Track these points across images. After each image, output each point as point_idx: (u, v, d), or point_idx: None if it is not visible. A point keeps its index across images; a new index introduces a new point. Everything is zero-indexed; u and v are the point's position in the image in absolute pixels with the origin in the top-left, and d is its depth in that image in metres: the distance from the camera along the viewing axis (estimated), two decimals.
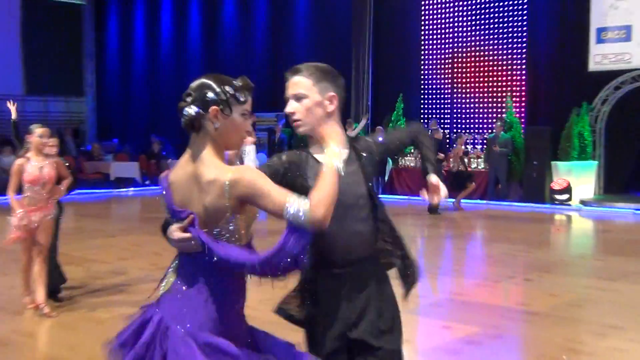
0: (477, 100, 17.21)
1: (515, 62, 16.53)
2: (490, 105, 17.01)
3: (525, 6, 16.30)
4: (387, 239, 2.74)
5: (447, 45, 17.59)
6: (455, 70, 17.46)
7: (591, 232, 12.57)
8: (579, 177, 14.86)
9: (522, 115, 16.36)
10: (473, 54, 17.11)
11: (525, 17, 16.32)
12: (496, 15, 16.71)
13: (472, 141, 16.86)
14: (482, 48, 16.93)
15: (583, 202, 14.54)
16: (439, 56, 17.76)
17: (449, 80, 17.58)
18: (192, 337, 2.24)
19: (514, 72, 16.57)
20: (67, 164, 6.67)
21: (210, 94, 2.30)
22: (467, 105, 17.41)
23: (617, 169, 15.28)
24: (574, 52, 15.39)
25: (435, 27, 17.82)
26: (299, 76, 2.59)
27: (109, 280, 7.48)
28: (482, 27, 16.90)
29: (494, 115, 16.65)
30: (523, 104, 16.44)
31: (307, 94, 2.58)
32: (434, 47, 17.84)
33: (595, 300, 6.85)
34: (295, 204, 2.16)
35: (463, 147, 14.95)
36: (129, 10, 24.66)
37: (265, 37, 20.92)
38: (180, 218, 2.31)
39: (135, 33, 24.55)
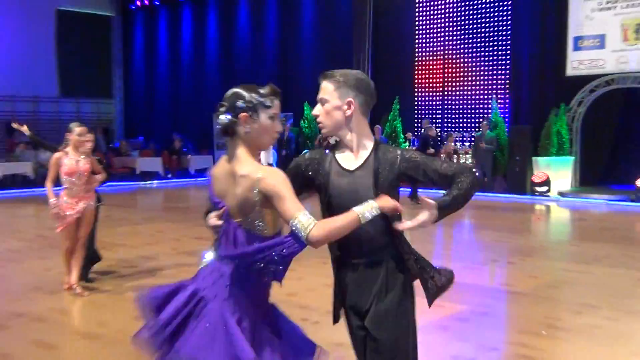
0: (465, 101, 17.17)
1: (500, 67, 16.49)
2: (477, 106, 16.98)
3: (509, 18, 16.27)
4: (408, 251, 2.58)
5: (438, 52, 17.53)
6: (446, 74, 17.43)
7: (568, 221, 12.54)
8: (557, 171, 14.84)
9: (506, 115, 16.31)
10: (462, 60, 17.07)
11: (509, 28, 16.29)
12: (483, 25, 16.66)
13: (461, 139, 16.83)
14: (470, 55, 16.89)
15: (561, 194, 14.51)
16: (431, 62, 17.70)
17: (440, 84, 17.54)
18: (224, 309, 2.28)
19: (499, 77, 16.53)
20: (99, 160, 6.64)
21: (239, 102, 2.34)
22: (457, 106, 17.37)
23: (591, 164, 15.24)
24: (553, 59, 15.34)
25: (427, 36, 17.77)
26: (325, 81, 2.54)
27: (135, 262, 7.51)
28: (470, 36, 16.85)
29: (481, 115, 16.62)
30: (507, 105, 16.40)
31: (328, 98, 2.53)
32: (427, 53, 17.78)
33: (571, 281, 6.84)
34: (303, 220, 2.19)
35: (453, 144, 14.87)
36: (153, 21, 24.66)
37: (274, 45, 20.89)
38: (217, 207, 2.41)
39: (158, 42, 24.54)
